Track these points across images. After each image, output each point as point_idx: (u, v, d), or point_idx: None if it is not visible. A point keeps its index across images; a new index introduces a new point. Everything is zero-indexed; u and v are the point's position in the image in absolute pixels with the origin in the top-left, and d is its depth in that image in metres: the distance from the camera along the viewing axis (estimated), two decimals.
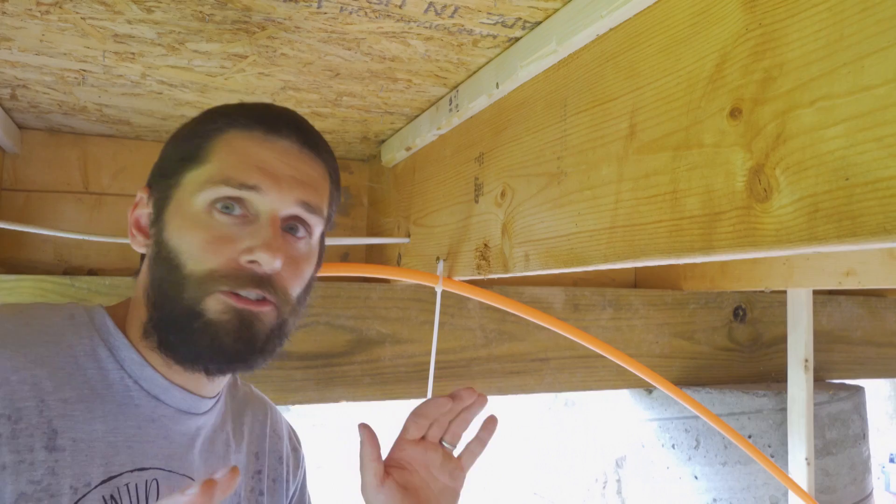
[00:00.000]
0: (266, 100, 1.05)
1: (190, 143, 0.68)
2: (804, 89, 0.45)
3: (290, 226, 0.68)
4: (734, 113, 0.50)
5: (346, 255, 1.51)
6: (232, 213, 0.65)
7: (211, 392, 0.72)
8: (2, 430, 0.56)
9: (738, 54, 0.50)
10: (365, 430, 0.81)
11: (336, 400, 1.32)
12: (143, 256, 0.71)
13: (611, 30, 0.65)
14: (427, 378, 1.37)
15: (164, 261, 0.65)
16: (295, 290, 0.69)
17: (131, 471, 0.62)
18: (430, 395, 1.07)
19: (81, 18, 0.75)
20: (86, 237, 1.09)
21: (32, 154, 1.29)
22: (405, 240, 1.22)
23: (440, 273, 1.03)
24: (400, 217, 1.27)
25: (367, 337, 1.34)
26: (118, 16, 0.74)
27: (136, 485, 0.62)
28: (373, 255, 1.48)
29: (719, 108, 0.52)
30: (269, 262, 0.63)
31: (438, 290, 1.04)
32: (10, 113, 1.16)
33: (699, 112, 0.54)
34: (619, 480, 1.98)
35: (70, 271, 1.30)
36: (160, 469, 0.64)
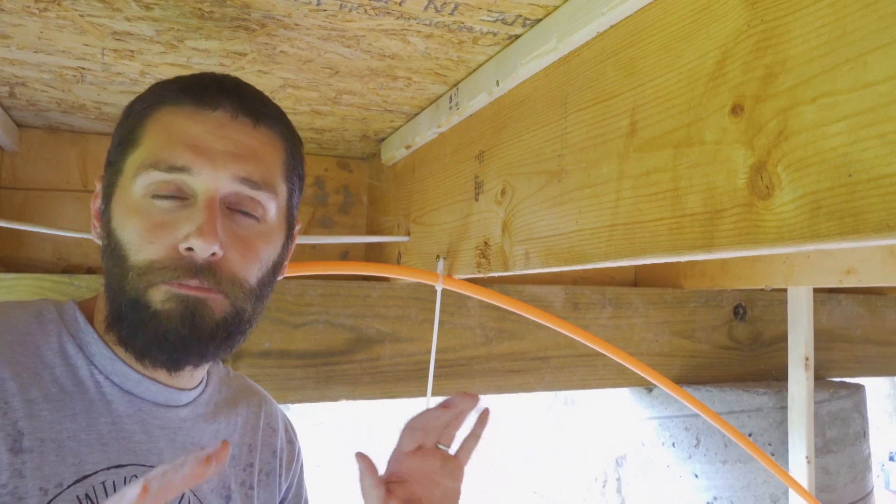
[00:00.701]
0: None
1: (125, 124, 0.65)
2: (806, 86, 0.44)
3: (237, 205, 0.63)
4: (736, 110, 0.50)
5: (345, 254, 1.51)
6: (166, 196, 0.60)
7: (189, 383, 0.69)
8: None
9: (739, 51, 0.50)
10: (362, 459, 0.78)
11: (335, 399, 1.32)
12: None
13: (611, 27, 0.65)
14: (427, 377, 1.37)
15: (111, 252, 0.62)
16: (251, 273, 0.64)
17: (107, 468, 0.60)
18: (429, 394, 1.07)
19: (80, 16, 0.75)
20: (85, 235, 1.09)
21: (31, 152, 1.28)
22: (405, 238, 1.22)
23: (440, 271, 1.03)
24: (400, 215, 1.27)
25: (366, 335, 1.34)
26: (117, 13, 0.74)
27: (114, 482, 0.59)
28: (372, 254, 1.48)
29: (721, 105, 0.51)
30: (204, 249, 0.59)
31: (438, 288, 1.04)
32: (9, 111, 1.16)
33: (700, 109, 0.54)
34: (619, 479, 1.98)
35: (69, 270, 1.29)
36: (139, 465, 0.62)
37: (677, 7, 0.57)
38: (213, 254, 0.60)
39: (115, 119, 1.19)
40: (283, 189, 0.68)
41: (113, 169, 0.64)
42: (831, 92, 0.43)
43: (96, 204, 0.67)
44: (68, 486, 0.57)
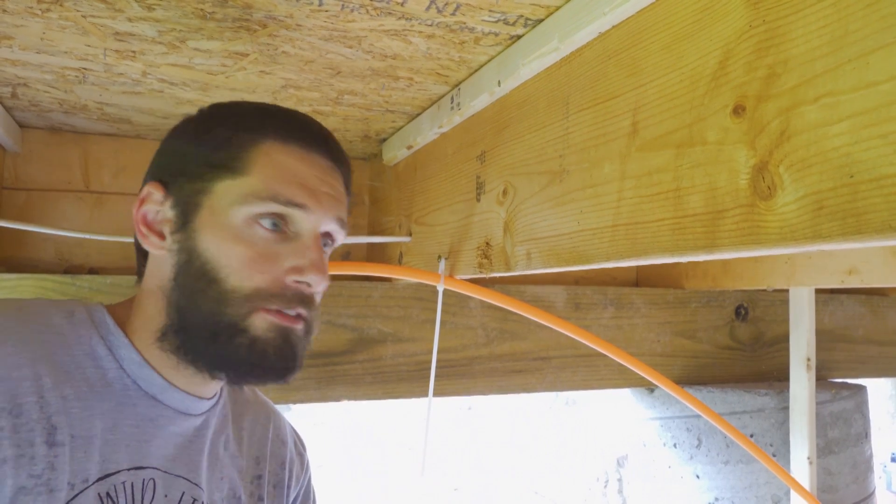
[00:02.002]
0: (267, 98, 1.04)
1: (223, 149, 0.66)
2: (808, 86, 0.44)
3: (323, 241, 0.70)
4: (738, 110, 0.50)
5: (347, 254, 1.51)
6: (275, 229, 0.65)
7: (209, 393, 0.72)
8: (3, 424, 0.56)
9: (741, 51, 0.50)
10: None
11: (337, 399, 1.32)
12: (145, 254, 0.70)
13: (613, 27, 0.65)
14: (428, 376, 1.37)
15: (197, 272, 0.64)
16: (320, 299, 0.71)
17: (129, 469, 0.62)
18: (430, 394, 1.07)
19: (82, 16, 0.75)
20: (87, 236, 1.09)
21: (33, 153, 1.28)
22: (406, 238, 1.22)
23: (442, 271, 1.03)
24: (401, 216, 1.27)
25: (368, 336, 1.34)
26: (119, 14, 0.74)
27: (133, 483, 0.62)
28: (374, 254, 1.48)
29: (723, 105, 0.51)
30: (319, 284, 0.66)
31: (440, 288, 1.04)
32: (11, 111, 1.16)
33: (702, 109, 0.54)
34: (620, 479, 1.98)
35: (71, 270, 1.29)
36: (157, 469, 0.64)
37: (679, 7, 0.57)
38: (322, 289, 0.66)
39: (116, 119, 1.20)
40: None
41: (196, 187, 0.66)
42: (833, 92, 0.43)
43: (147, 209, 0.68)
44: (93, 483, 0.59)
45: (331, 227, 0.69)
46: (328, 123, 1.19)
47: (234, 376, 0.66)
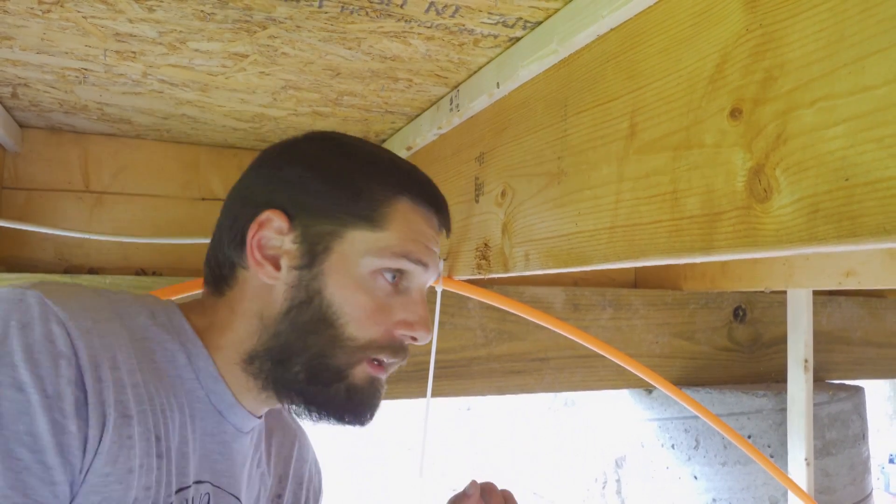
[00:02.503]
0: (267, 99, 1.05)
1: (362, 200, 0.66)
2: (805, 89, 0.45)
3: None
4: (734, 113, 0.50)
5: None
6: (393, 282, 0.67)
7: (262, 412, 0.72)
8: (132, 433, 0.53)
9: (738, 54, 0.50)
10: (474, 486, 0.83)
11: None
12: (234, 269, 0.67)
13: (611, 30, 0.65)
14: (427, 377, 1.37)
15: (316, 313, 0.64)
16: None
17: (195, 483, 0.62)
18: (429, 395, 1.07)
19: (83, 17, 0.75)
20: (86, 236, 1.09)
21: (33, 152, 1.29)
22: None
23: (440, 272, 1.03)
24: None
25: None
26: (119, 14, 0.74)
27: (194, 498, 0.61)
28: None
29: (720, 108, 0.52)
30: (426, 339, 0.68)
31: (439, 289, 1.04)
32: (12, 111, 1.17)
33: (700, 112, 0.54)
34: (618, 480, 1.98)
35: (70, 270, 1.30)
36: (210, 483, 0.64)
37: (677, 10, 0.57)
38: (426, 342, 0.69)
39: (117, 119, 1.20)
40: None
41: (328, 229, 0.65)
42: (830, 96, 0.43)
43: (264, 235, 0.65)
44: (175, 493, 0.58)
45: (431, 281, 0.72)
46: (328, 124, 1.19)
47: (319, 415, 0.67)
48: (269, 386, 0.66)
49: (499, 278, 1.42)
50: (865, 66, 0.41)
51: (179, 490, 0.59)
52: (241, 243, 0.66)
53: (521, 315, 1.15)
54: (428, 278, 0.70)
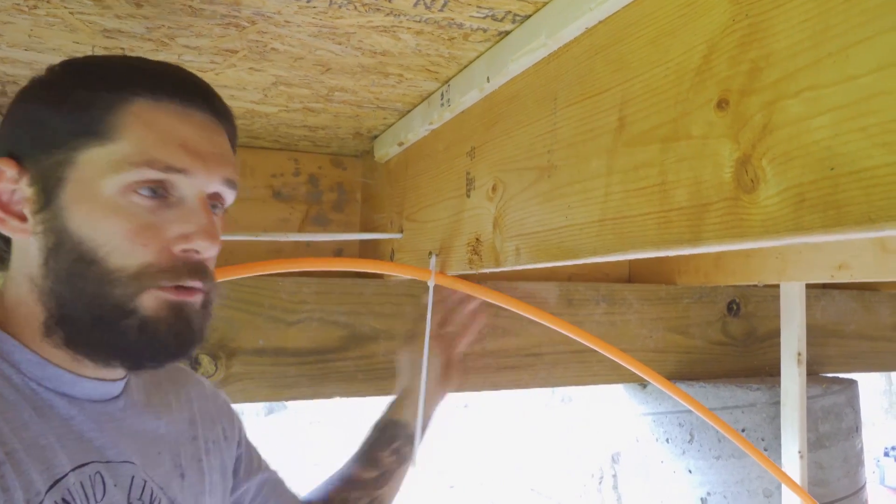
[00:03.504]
0: (258, 95, 1.04)
1: (84, 112, 0.59)
2: (790, 80, 0.45)
3: (212, 203, 0.66)
4: (721, 104, 0.50)
5: (339, 251, 1.51)
6: (155, 197, 0.59)
7: (116, 374, 0.67)
8: None
9: (725, 45, 0.50)
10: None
11: (330, 396, 1.32)
12: (7, 240, 0.63)
13: (600, 22, 0.65)
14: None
15: (72, 254, 0.58)
16: (214, 266, 0.67)
17: (73, 469, 0.58)
18: (422, 390, 1.07)
19: (70, 13, 0.75)
20: None
21: None
22: (398, 235, 1.22)
23: (433, 268, 1.03)
24: (393, 212, 1.27)
25: (360, 333, 1.34)
26: (107, 10, 0.74)
27: (82, 483, 0.58)
28: (366, 251, 1.48)
29: (707, 99, 0.52)
30: (210, 249, 0.61)
31: (431, 284, 1.04)
32: (1, 109, 1.16)
33: (687, 104, 0.54)
34: (614, 476, 1.99)
35: None
36: (100, 462, 0.61)
37: (664, 1, 0.57)
38: (214, 254, 0.62)
39: None
40: None
41: (58, 159, 0.59)
42: (815, 86, 0.43)
43: (7, 192, 0.60)
44: (45, 494, 0.55)
45: (218, 188, 0.64)
46: (319, 120, 1.19)
47: (129, 363, 0.62)
48: (78, 351, 0.60)
49: (492, 273, 1.42)
50: (850, 55, 0.41)
51: (55, 484, 0.56)
52: None
53: (515, 310, 1.15)
54: (202, 182, 0.62)
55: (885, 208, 0.38)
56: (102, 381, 0.65)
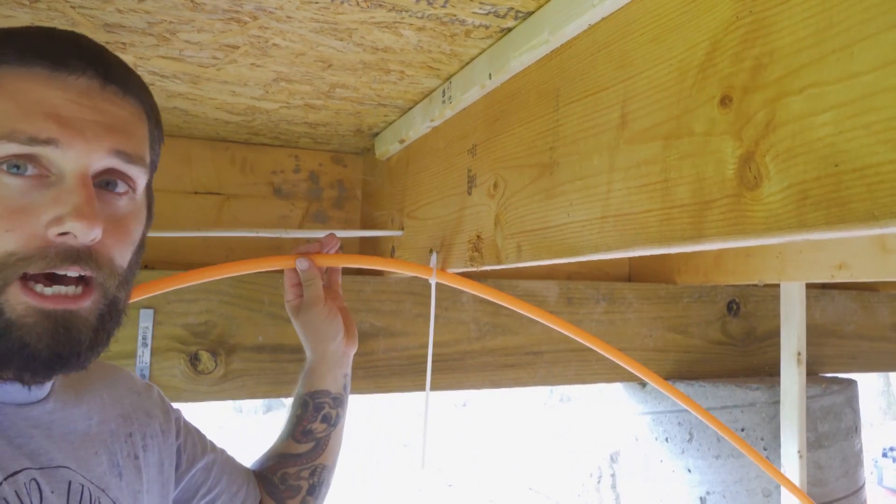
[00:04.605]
0: (259, 91, 1.04)
1: None
2: (794, 77, 0.45)
3: (107, 181, 0.57)
4: (724, 101, 0.50)
5: (339, 249, 1.51)
6: (23, 174, 0.53)
7: (37, 380, 0.61)
8: None
9: (728, 42, 0.50)
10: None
11: None
12: None
13: (602, 19, 0.65)
14: (420, 371, 1.37)
15: None
16: (124, 256, 0.59)
17: (5, 478, 0.54)
18: (427, 388, 1.07)
19: (71, 7, 0.75)
20: None
21: None
22: (399, 232, 1.22)
23: (433, 265, 1.03)
24: (394, 210, 1.27)
25: (360, 330, 1.34)
26: (108, 5, 0.74)
27: (17, 491, 0.54)
28: (367, 249, 1.48)
29: (710, 96, 0.52)
30: (86, 233, 0.53)
31: (433, 281, 1.04)
32: None
33: (690, 101, 0.54)
34: (613, 475, 1.99)
35: None
36: (32, 468, 0.57)
37: None
38: (93, 238, 0.54)
39: None
40: (149, 163, 0.62)
41: None
42: (818, 83, 0.43)
43: None
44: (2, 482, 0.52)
45: (108, 162, 0.56)
46: (320, 117, 1.19)
47: (7, 373, 0.55)
48: None
49: (493, 271, 1.42)
50: (853, 52, 0.41)
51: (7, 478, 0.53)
52: None
53: (515, 309, 1.15)
54: (81, 156, 0.54)
55: (889, 205, 0.38)
56: (21, 386, 0.59)
